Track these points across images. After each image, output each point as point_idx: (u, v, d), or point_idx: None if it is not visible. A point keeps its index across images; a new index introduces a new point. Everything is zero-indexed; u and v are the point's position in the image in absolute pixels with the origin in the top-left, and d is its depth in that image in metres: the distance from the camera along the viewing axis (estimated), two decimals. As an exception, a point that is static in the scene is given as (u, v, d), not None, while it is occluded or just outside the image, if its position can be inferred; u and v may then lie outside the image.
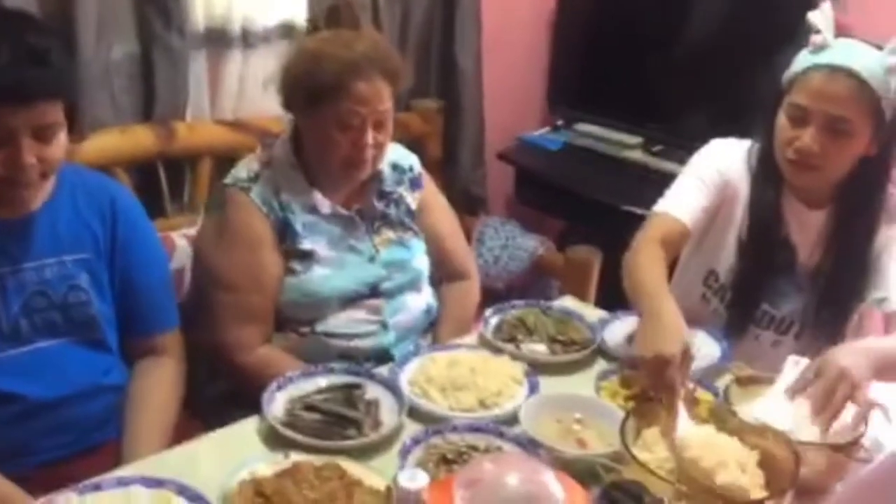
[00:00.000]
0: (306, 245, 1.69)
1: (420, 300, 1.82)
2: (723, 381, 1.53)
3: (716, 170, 1.73)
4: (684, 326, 1.43)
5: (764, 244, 1.71)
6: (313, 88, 1.63)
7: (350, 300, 1.72)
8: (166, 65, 2.07)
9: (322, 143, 1.67)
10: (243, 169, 1.73)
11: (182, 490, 1.20)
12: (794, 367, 1.44)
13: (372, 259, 1.75)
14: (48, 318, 1.45)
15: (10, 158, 1.31)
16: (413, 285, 1.81)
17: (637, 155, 2.79)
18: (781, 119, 1.62)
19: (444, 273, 1.91)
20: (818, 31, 1.58)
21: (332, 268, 1.71)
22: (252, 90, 2.26)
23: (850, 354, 1.38)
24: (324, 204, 1.71)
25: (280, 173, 1.71)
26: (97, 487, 1.21)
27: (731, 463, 1.17)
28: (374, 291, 1.75)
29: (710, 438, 1.23)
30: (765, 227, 1.71)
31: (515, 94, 2.99)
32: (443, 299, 1.89)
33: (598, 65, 2.92)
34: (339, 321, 1.72)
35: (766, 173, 1.69)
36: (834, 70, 1.55)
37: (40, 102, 1.31)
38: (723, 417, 1.30)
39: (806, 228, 1.71)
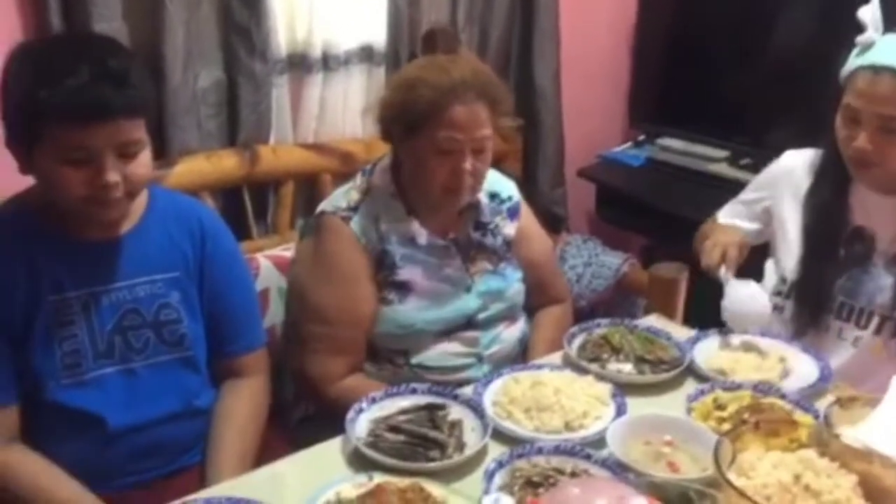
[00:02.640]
0: (403, 276, 1.68)
1: (515, 330, 1.80)
2: (823, 403, 1.46)
3: (781, 170, 1.83)
4: (742, 234, 1.81)
5: (825, 233, 1.72)
6: (411, 116, 1.61)
7: (445, 332, 1.71)
8: (250, 91, 2.12)
9: (421, 170, 1.65)
10: (342, 198, 1.72)
11: None
12: (901, 387, 1.36)
13: (468, 289, 1.73)
14: (141, 335, 1.49)
15: (94, 177, 1.34)
16: (509, 315, 1.79)
17: (723, 168, 2.71)
18: (838, 120, 1.64)
19: (539, 301, 1.89)
20: (865, 28, 1.58)
21: (427, 299, 1.70)
22: (333, 113, 2.30)
23: None
24: (421, 234, 1.69)
25: (380, 202, 1.70)
26: None
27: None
28: (470, 322, 1.73)
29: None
30: (824, 217, 1.72)
31: (595, 110, 2.96)
32: (537, 322, 1.87)
33: (680, 78, 2.87)
34: (435, 354, 1.71)
35: (825, 170, 1.72)
36: (878, 71, 1.56)
37: (120, 120, 1.33)
38: (824, 441, 1.24)
39: (880, 214, 1.69)
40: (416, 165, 1.66)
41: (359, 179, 1.75)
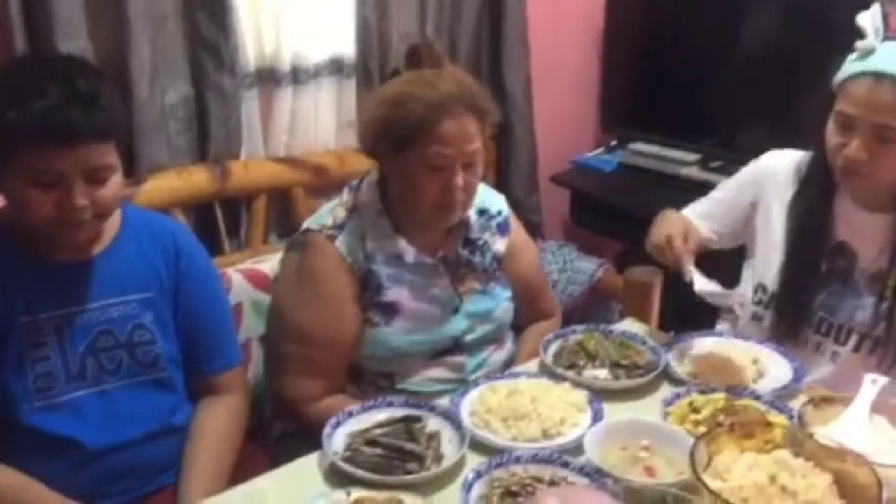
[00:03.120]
0: (389, 297, 1.65)
1: (502, 353, 1.78)
2: (797, 403, 1.47)
3: (760, 173, 1.78)
4: (686, 219, 1.72)
5: (807, 246, 1.69)
6: (399, 133, 1.57)
7: (432, 355, 1.69)
8: (219, 105, 2.11)
9: (410, 187, 1.61)
10: (328, 215, 1.67)
11: None
12: (872, 386, 1.37)
13: (456, 310, 1.71)
14: (114, 357, 1.47)
15: (61, 200, 1.33)
16: (496, 338, 1.77)
17: (694, 172, 2.74)
18: (830, 125, 1.60)
19: (529, 316, 1.86)
20: (865, 35, 1.54)
21: (414, 321, 1.66)
22: (304, 126, 2.29)
23: None
24: (408, 252, 1.66)
25: (366, 220, 1.66)
26: None
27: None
28: (456, 345, 1.71)
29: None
30: (807, 229, 1.69)
31: (567, 116, 2.98)
32: (524, 337, 1.85)
33: (650, 82, 2.89)
34: (420, 379, 1.68)
35: (812, 177, 1.68)
36: (879, 77, 1.51)
37: (90, 144, 1.32)
38: (799, 441, 1.25)
39: (863, 231, 1.67)
40: (405, 183, 1.62)
41: (345, 196, 1.71)
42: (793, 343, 1.68)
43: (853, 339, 1.68)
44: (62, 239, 1.40)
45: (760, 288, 1.76)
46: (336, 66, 2.31)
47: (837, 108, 1.58)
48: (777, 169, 1.77)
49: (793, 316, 1.70)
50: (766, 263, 1.76)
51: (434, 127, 1.55)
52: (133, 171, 1.97)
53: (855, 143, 1.54)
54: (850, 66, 1.57)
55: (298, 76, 2.24)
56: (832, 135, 1.60)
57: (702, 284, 1.61)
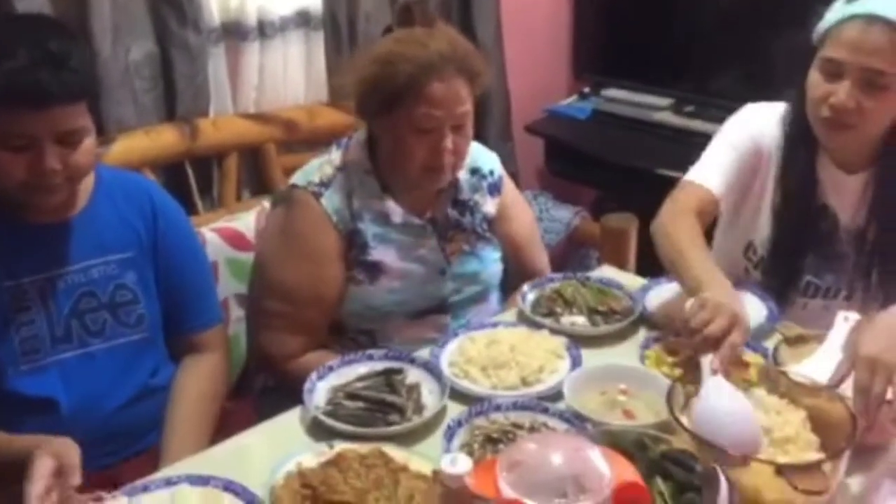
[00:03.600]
0: (374, 256, 1.63)
1: (487, 313, 1.76)
2: (771, 342, 1.49)
3: (748, 136, 1.67)
4: (738, 298, 1.40)
5: (799, 212, 1.64)
6: (387, 92, 1.54)
7: (415, 315, 1.68)
8: (185, 62, 2.07)
9: (399, 149, 1.59)
10: (316, 172, 1.65)
11: (228, 486, 1.20)
12: (844, 323, 1.39)
13: (442, 272, 1.69)
14: (98, 318, 1.47)
15: (33, 163, 1.31)
16: (482, 298, 1.76)
17: (668, 116, 2.74)
18: (814, 75, 1.54)
19: (520, 276, 1.83)
20: None
21: (399, 280, 1.65)
22: (272, 81, 2.25)
23: (881, 337, 1.24)
24: (396, 212, 1.64)
25: (354, 178, 1.63)
26: (145, 489, 1.21)
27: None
28: (441, 306, 1.70)
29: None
30: (799, 194, 1.64)
31: (539, 64, 2.95)
32: (513, 299, 1.81)
33: (622, 27, 2.87)
34: (401, 337, 1.66)
35: (798, 136, 1.62)
36: (871, 20, 1.47)
37: (61, 106, 1.30)
38: (773, 379, 1.27)
39: (844, 193, 1.64)
40: (393, 143, 1.60)
41: (333, 153, 1.68)
42: (780, 304, 1.65)
43: (842, 294, 1.68)
44: (35, 203, 1.38)
45: (751, 247, 1.73)
46: (303, 19, 2.26)
47: (824, 55, 1.52)
48: (763, 129, 1.68)
49: (782, 281, 1.68)
50: (757, 224, 1.71)
51: (423, 88, 1.52)
52: (100, 131, 1.93)
53: (843, 90, 1.49)
54: (839, 9, 1.52)
55: (265, 30, 2.19)
56: (816, 85, 1.54)
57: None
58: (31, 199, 1.37)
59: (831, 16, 1.53)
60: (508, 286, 1.84)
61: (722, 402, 1.19)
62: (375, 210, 1.64)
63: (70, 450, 1.19)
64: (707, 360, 1.27)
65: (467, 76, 1.56)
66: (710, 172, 1.66)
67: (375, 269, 1.64)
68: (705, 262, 1.49)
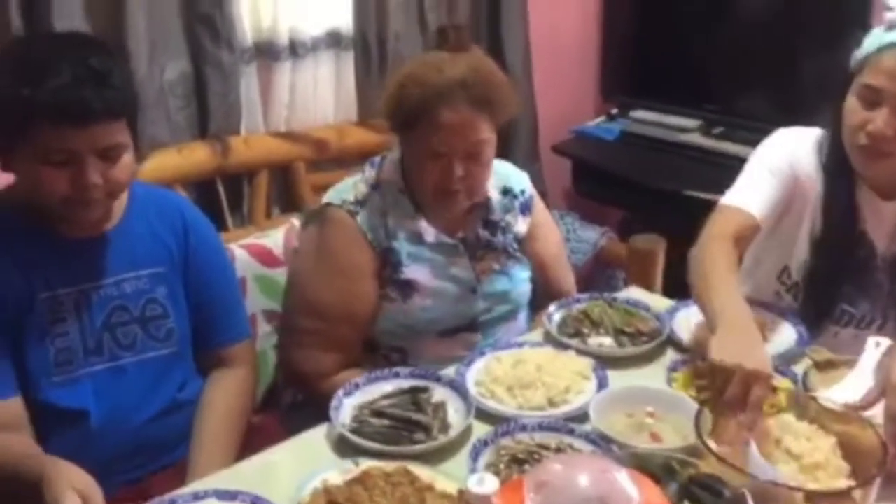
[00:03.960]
0: (408, 274, 1.64)
1: (516, 331, 1.77)
2: (801, 367, 1.48)
3: (786, 162, 1.64)
4: (756, 339, 1.35)
5: (839, 241, 1.62)
6: (403, 113, 1.57)
7: (446, 333, 1.68)
8: (218, 81, 2.10)
9: (417, 169, 1.61)
10: (350, 190, 1.66)
11: (255, 501, 1.21)
12: (875, 348, 1.38)
13: (474, 290, 1.70)
14: (129, 332, 1.48)
15: (75, 178, 1.34)
16: (511, 316, 1.76)
17: (696, 138, 2.73)
18: (851, 101, 1.52)
19: (547, 296, 1.83)
20: (892, 8, 1.49)
21: (431, 299, 1.65)
22: (303, 100, 2.28)
23: None
24: (429, 232, 1.65)
25: (388, 197, 1.65)
26: (173, 503, 1.22)
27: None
28: (472, 324, 1.70)
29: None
30: (839, 223, 1.61)
31: (567, 85, 2.96)
32: (539, 316, 1.81)
33: (651, 49, 2.87)
34: (432, 354, 1.67)
35: (837, 165, 1.59)
36: None
37: (103, 123, 1.32)
38: (802, 404, 1.26)
39: (881, 220, 1.62)
40: (413, 163, 1.62)
41: (367, 171, 1.69)
42: (812, 332, 1.62)
43: (875, 325, 1.65)
44: (74, 217, 1.41)
45: (786, 271, 1.70)
46: (334, 39, 2.30)
47: (863, 82, 1.50)
48: (799, 155, 1.65)
49: (817, 309, 1.66)
50: (792, 249, 1.68)
51: (431, 115, 1.54)
52: (133, 148, 1.97)
53: (881, 118, 1.46)
54: (877, 37, 1.50)
55: (296, 50, 2.22)
56: (854, 111, 1.52)
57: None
58: (71, 213, 1.39)
59: (870, 42, 1.51)
60: (536, 305, 1.84)
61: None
62: (409, 229, 1.65)
63: (93, 490, 1.20)
64: (753, 450, 1.17)
65: (481, 105, 1.55)
66: (750, 196, 1.61)
67: (408, 288, 1.65)
68: (730, 295, 1.44)
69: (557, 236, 1.92)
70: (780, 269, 1.71)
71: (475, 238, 1.71)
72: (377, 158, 1.72)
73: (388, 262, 1.64)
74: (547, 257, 1.83)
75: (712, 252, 1.53)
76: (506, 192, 1.75)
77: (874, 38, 1.51)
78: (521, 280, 1.77)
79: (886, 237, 1.63)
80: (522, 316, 1.81)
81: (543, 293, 1.84)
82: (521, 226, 1.76)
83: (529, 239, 1.78)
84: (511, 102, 1.62)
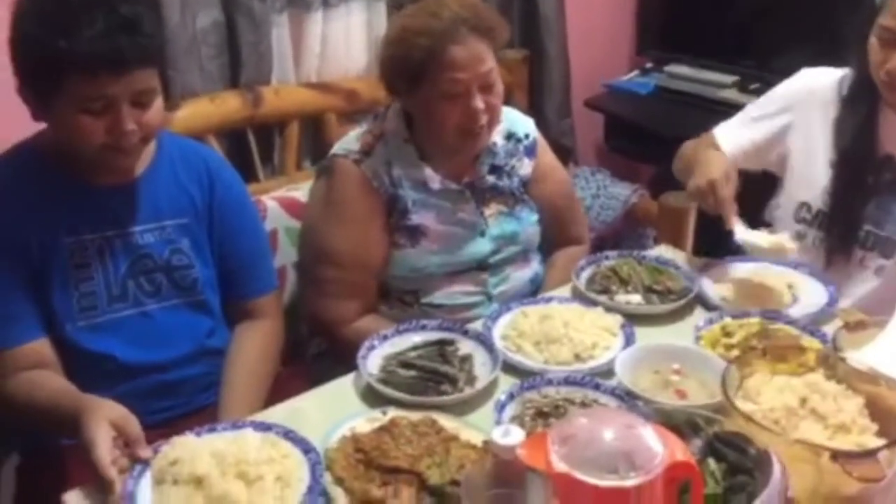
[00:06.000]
0: (415, 220, 1.67)
1: (526, 271, 1.80)
2: (831, 328, 1.47)
3: (794, 95, 1.78)
4: (726, 160, 1.70)
5: (856, 161, 1.68)
6: (410, 68, 1.58)
7: (456, 273, 1.71)
8: (250, 30, 2.10)
9: (433, 119, 1.62)
10: (355, 141, 1.69)
11: (287, 434, 1.24)
12: (907, 310, 1.36)
13: (482, 233, 1.72)
14: (154, 279, 1.51)
15: (112, 125, 1.35)
16: (521, 257, 1.79)
17: (732, 94, 2.68)
18: (872, 40, 1.60)
19: (557, 240, 1.88)
20: None
21: (439, 243, 1.69)
22: (334, 51, 2.28)
23: None
24: (434, 179, 1.67)
25: (392, 147, 1.68)
26: (212, 430, 1.26)
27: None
28: (481, 265, 1.73)
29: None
30: (854, 145, 1.68)
31: (601, 38, 2.91)
32: (551, 262, 1.86)
33: (687, 2, 2.81)
34: (444, 294, 1.71)
35: (856, 95, 1.68)
36: None
37: (136, 69, 1.34)
38: (831, 364, 1.25)
39: None
40: (426, 115, 1.63)
41: (372, 123, 1.72)
42: (839, 257, 1.68)
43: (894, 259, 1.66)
44: (110, 164, 1.42)
45: (805, 206, 1.75)
46: (365, -10, 2.28)
47: (881, 23, 1.57)
48: (815, 88, 1.76)
49: (842, 231, 1.70)
50: (809, 182, 1.74)
51: (442, 56, 1.55)
52: (166, 97, 1.97)
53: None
54: None
55: (328, 0, 2.21)
56: (875, 51, 1.60)
57: (743, 233, 1.61)
58: (106, 160, 1.41)
59: None
60: (546, 249, 1.87)
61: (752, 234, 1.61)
62: (414, 177, 1.67)
63: (130, 421, 1.22)
64: (736, 227, 1.61)
65: (484, 35, 1.58)
66: (729, 135, 1.83)
67: (416, 233, 1.68)
68: (705, 150, 1.77)
69: (565, 180, 1.93)
70: (795, 209, 1.77)
71: (481, 182, 1.73)
72: (381, 110, 1.75)
73: (394, 209, 1.67)
74: (554, 200, 1.84)
75: (695, 143, 1.85)
76: (510, 136, 1.77)
77: None
78: (529, 222, 1.79)
79: None
80: (535, 259, 1.84)
81: (552, 238, 1.86)
82: (526, 169, 1.79)
83: (534, 181, 1.80)
84: (505, 27, 1.65)
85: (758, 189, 1.89)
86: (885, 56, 1.58)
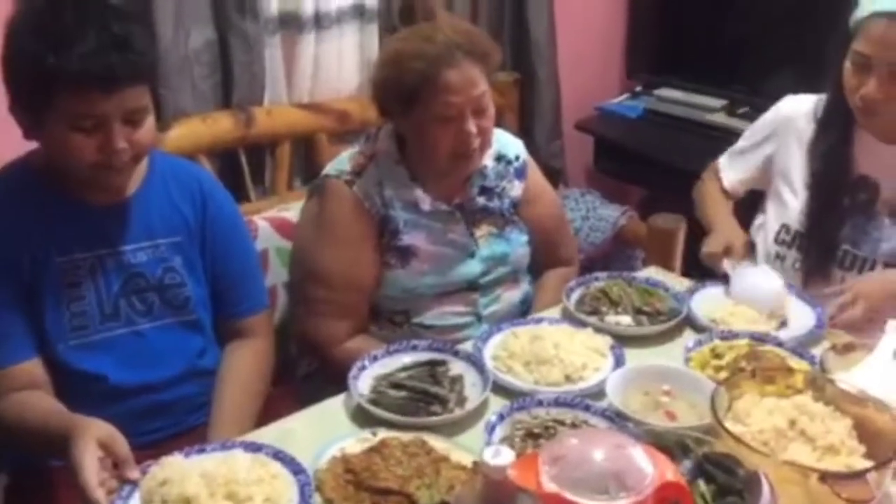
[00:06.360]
0: (406, 241, 1.68)
1: (516, 292, 1.81)
2: (819, 349, 1.48)
3: (773, 123, 1.84)
4: (739, 231, 1.82)
5: (831, 182, 1.72)
6: (403, 91, 1.59)
7: (446, 294, 1.72)
8: (243, 51, 2.11)
9: (425, 141, 1.63)
10: (347, 161, 1.70)
11: (277, 454, 1.24)
12: (895, 332, 1.37)
13: (472, 254, 1.73)
14: (146, 298, 1.50)
15: (103, 143, 1.35)
16: (511, 278, 1.80)
17: (721, 118, 2.71)
18: (847, 65, 1.62)
19: (547, 261, 1.88)
20: None
21: (430, 264, 1.69)
22: (327, 72, 2.28)
23: None
24: (425, 200, 1.68)
25: (384, 168, 1.68)
26: (202, 451, 1.26)
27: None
28: (471, 286, 1.74)
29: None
30: (829, 165, 1.72)
31: (592, 61, 2.94)
32: (541, 284, 1.87)
33: (676, 27, 2.85)
34: (434, 314, 1.71)
35: (831, 117, 1.72)
36: (893, 17, 1.53)
37: (127, 87, 1.34)
38: (819, 386, 1.26)
39: (886, 163, 1.69)
40: (419, 138, 1.64)
41: (363, 144, 1.73)
42: (818, 279, 1.70)
43: (878, 271, 1.69)
44: (102, 182, 1.42)
45: (784, 228, 1.79)
46: (358, 11, 2.29)
47: (854, 48, 1.60)
48: (792, 115, 1.81)
49: (819, 251, 1.73)
50: (787, 204, 1.79)
51: (436, 80, 1.56)
52: (158, 116, 1.97)
53: (871, 84, 1.58)
54: (866, 5, 1.59)
55: (321, 21, 2.22)
56: (849, 76, 1.62)
57: (738, 296, 1.66)
58: (98, 178, 1.40)
59: (861, 9, 1.60)
60: (536, 271, 1.88)
61: (747, 278, 1.67)
62: (405, 198, 1.68)
63: (117, 441, 1.21)
64: (726, 262, 1.71)
65: (477, 59, 1.60)
66: (729, 171, 1.94)
67: (407, 253, 1.68)
68: (718, 208, 1.91)
69: (555, 202, 1.95)
70: (775, 233, 1.80)
71: (471, 204, 1.74)
72: (372, 131, 1.76)
73: (385, 230, 1.68)
74: (543, 222, 1.86)
75: (708, 188, 1.98)
76: (500, 158, 1.78)
77: (865, 4, 1.59)
78: (519, 243, 1.80)
79: (891, 178, 1.69)
80: (524, 280, 1.84)
81: (542, 259, 1.87)
82: (516, 191, 1.80)
83: (524, 203, 1.81)
84: (498, 51, 1.67)
85: (746, 209, 1.95)
86: (859, 81, 1.60)
